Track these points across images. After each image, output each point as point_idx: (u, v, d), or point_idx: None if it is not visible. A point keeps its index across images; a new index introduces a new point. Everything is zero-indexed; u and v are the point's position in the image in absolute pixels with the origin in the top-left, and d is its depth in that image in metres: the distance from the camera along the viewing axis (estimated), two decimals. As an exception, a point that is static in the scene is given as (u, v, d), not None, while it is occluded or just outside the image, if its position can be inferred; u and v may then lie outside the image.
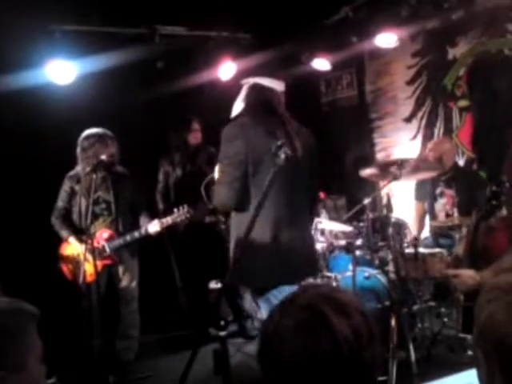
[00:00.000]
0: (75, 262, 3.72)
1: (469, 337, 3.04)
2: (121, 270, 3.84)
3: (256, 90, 2.70)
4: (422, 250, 3.67)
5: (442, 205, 4.27)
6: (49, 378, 1.79)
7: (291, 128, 2.66)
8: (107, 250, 3.73)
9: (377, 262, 3.71)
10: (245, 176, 2.50)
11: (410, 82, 5.43)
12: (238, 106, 2.72)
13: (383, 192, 3.88)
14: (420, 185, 4.46)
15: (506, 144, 4.56)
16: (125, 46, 4.23)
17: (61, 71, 4.26)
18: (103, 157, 3.61)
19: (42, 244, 3.91)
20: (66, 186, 3.81)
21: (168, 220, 3.70)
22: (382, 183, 4.05)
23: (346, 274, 3.65)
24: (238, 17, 4.53)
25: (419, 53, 5.32)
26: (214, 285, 4.76)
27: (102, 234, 3.75)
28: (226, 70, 4.90)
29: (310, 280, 2.88)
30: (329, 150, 4.95)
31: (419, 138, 5.40)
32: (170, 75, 4.68)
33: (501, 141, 4.65)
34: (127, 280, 3.86)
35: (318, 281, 3.40)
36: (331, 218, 4.34)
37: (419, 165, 3.79)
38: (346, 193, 5.47)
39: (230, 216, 4.36)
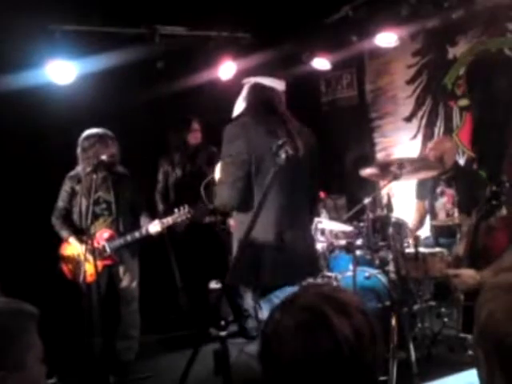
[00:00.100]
0: (75, 262, 3.72)
1: (469, 337, 3.04)
2: (121, 270, 3.84)
3: (257, 89, 2.70)
4: (422, 249, 3.67)
5: (442, 204, 4.26)
6: (49, 378, 1.79)
7: (292, 127, 2.66)
8: (107, 250, 3.73)
9: (377, 261, 3.71)
10: (247, 176, 2.49)
11: (410, 82, 5.43)
12: (239, 106, 2.72)
13: (383, 192, 3.88)
14: (421, 184, 4.46)
15: (506, 143, 4.56)
16: (125, 46, 4.23)
17: (61, 71, 4.26)
18: (104, 157, 3.61)
19: (42, 244, 3.92)
20: (66, 186, 3.81)
21: (169, 220, 3.70)
22: (382, 183, 4.05)
23: (346, 274, 3.64)
24: (238, 16, 4.54)
25: (419, 52, 5.32)
26: (214, 285, 4.76)
27: (103, 234, 3.75)
28: (226, 69, 4.90)
29: (311, 280, 2.88)
30: (329, 149, 4.94)
31: (419, 137, 5.40)
32: (170, 75, 4.68)
33: (500, 140, 4.65)
34: (128, 280, 3.86)
35: (319, 281, 3.40)
36: (331, 218, 4.34)
37: (420, 164, 3.79)
38: (347, 192, 5.47)
39: (229, 216, 4.42)
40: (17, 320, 1.37)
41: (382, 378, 2.89)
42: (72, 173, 3.83)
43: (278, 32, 4.79)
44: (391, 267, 3.68)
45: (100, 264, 3.64)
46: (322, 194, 4.35)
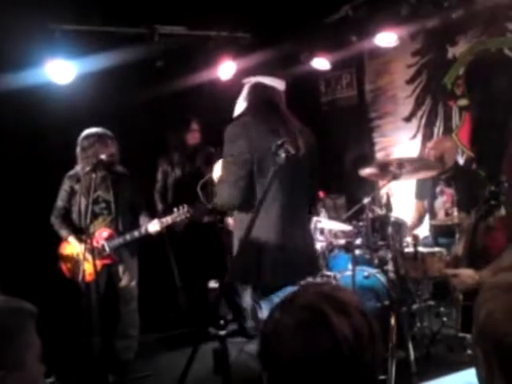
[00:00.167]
0: (75, 262, 3.72)
1: (468, 336, 3.04)
2: (120, 269, 3.84)
3: (258, 88, 2.69)
4: (421, 249, 3.67)
5: (441, 203, 4.27)
6: (48, 378, 1.79)
7: (293, 127, 2.66)
8: (107, 249, 3.73)
9: (376, 261, 3.71)
10: (249, 175, 2.49)
11: (409, 81, 5.43)
12: (240, 105, 2.72)
13: (383, 191, 3.88)
14: (420, 183, 4.46)
15: (505, 143, 4.56)
16: (124, 46, 4.23)
17: (60, 71, 4.26)
18: (103, 156, 3.61)
19: (41, 243, 3.92)
20: (65, 186, 3.81)
21: (168, 219, 3.70)
22: (381, 182, 4.05)
23: (345, 274, 3.65)
24: (238, 16, 4.53)
25: (419, 52, 5.32)
26: (214, 284, 4.76)
27: (102, 234, 3.75)
28: (225, 69, 4.89)
29: (310, 279, 2.88)
30: (328, 149, 4.94)
31: (419, 137, 5.40)
32: (169, 75, 4.68)
33: (500, 140, 4.65)
34: (127, 279, 3.86)
35: (318, 280, 3.40)
36: (331, 218, 4.34)
37: (419, 164, 3.79)
38: (346, 192, 5.47)
39: (227, 215, 4.42)
40: (16, 319, 1.37)
41: (381, 378, 2.89)
42: (71, 172, 3.83)
43: (278, 32, 4.79)
44: (390, 267, 3.68)
45: (99, 263, 3.64)
46: (321, 194, 4.35)
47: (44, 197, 3.93)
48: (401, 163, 3.49)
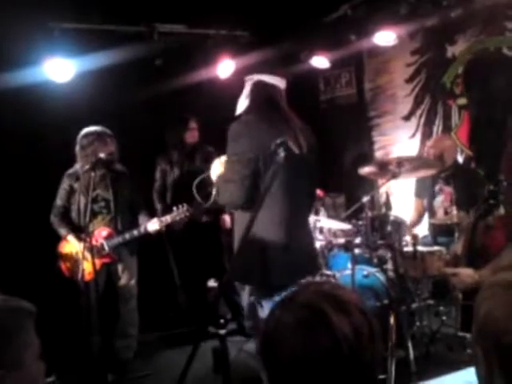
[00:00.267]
0: (74, 260, 3.71)
1: (468, 335, 3.04)
2: (120, 268, 3.84)
3: (259, 86, 2.69)
4: (420, 248, 3.67)
5: (440, 202, 4.27)
6: (48, 377, 1.79)
7: (295, 125, 2.65)
8: (106, 248, 3.73)
9: (375, 260, 3.71)
10: (254, 174, 2.47)
11: (408, 80, 5.43)
12: (242, 104, 2.71)
13: (382, 190, 3.88)
14: (420, 182, 4.46)
15: (504, 142, 4.56)
16: (123, 44, 4.22)
17: (59, 69, 4.25)
18: (102, 155, 3.61)
19: (40, 242, 3.91)
20: (64, 184, 3.80)
21: (167, 218, 3.69)
22: (380, 181, 4.05)
23: (344, 273, 3.65)
24: (237, 15, 4.53)
25: (418, 51, 5.31)
26: (213, 283, 4.76)
27: (101, 232, 3.74)
28: (224, 67, 4.89)
29: (309, 278, 2.87)
30: (327, 148, 4.93)
31: (418, 136, 5.40)
32: (168, 73, 4.68)
33: (498, 139, 4.65)
34: (126, 278, 3.86)
35: (317, 279, 3.40)
36: (330, 216, 4.35)
37: (418, 163, 3.79)
38: (345, 191, 5.47)
39: (223, 213, 4.41)
40: (15, 318, 1.36)
41: (381, 377, 2.89)
42: (70, 171, 3.83)
43: (277, 30, 4.78)
44: (389, 266, 3.68)
45: (98, 262, 3.64)
46: (320, 193, 4.35)
47: (43, 195, 3.92)
48: (400, 162, 3.49)
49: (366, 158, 5.62)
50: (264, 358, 1.06)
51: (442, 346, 3.56)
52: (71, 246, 3.74)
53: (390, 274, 3.64)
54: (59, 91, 4.33)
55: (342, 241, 3.71)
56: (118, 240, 3.73)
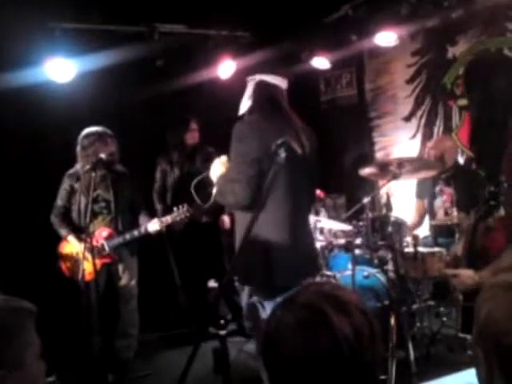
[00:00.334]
0: (74, 261, 3.71)
1: (468, 336, 3.04)
2: (120, 268, 3.84)
3: (262, 87, 2.68)
4: (421, 249, 3.67)
5: (441, 203, 4.26)
6: (48, 376, 1.79)
7: (297, 125, 2.65)
8: (106, 248, 3.73)
9: (376, 261, 3.71)
10: (259, 174, 2.45)
11: (409, 81, 5.43)
12: (245, 104, 2.71)
13: (383, 191, 3.88)
14: (420, 182, 4.46)
15: (505, 143, 4.56)
16: (124, 44, 4.22)
17: (60, 69, 4.25)
18: (103, 155, 3.61)
19: (41, 242, 3.91)
20: (65, 185, 3.81)
21: (168, 219, 3.70)
22: (381, 182, 4.05)
23: (345, 273, 3.65)
24: (238, 15, 4.53)
25: (419, 51, 5.31)
26: (213, 283, 4.76)
27: (101, 233, 3.74)
28: (225, 68, 4.89)
29: (310, 279, 2.87)
30: (328, 148, 4.93)
31: (419, 136, 5.40)
32: (169, 73, 4.68)
33: (499, 140, 4.65)
34: (126, 278, 3.86)
35: (317, 280, 3.40)
36: (330, 217, 4.34)
37: (419, 164, 3.79)
38: (346, 192, 5.47)
39: (223, 213, 4.41)
40: (16, 318, 1.36)
41: (381, 378, 2.89)
42: (71, 171, 3.83)
43: (278, 31, 4.78)
44: (390, 266, 3.68)
45: (99, 262, 3.64)
46: (321, 193, 4.35)
47: (44, 196, 3.92)
48: (401, 163, 3.49)
49: (367, 158, 5.62)
50: (265, 358, 1.06)
51: (443, 347, 3.56)
52: (72, 246, 3.74)
53: (391, 274, 3.64)
54: (60, 91, 4.34)
55: (342, 241, 3.71)
56: (118, 240, 3.73)
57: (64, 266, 3.78)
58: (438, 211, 4.29)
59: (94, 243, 3.58)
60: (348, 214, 4.11)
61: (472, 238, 3.22)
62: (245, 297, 2.78)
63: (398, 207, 4.56)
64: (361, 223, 3.60)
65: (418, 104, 5.38)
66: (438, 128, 5.24)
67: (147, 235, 3.74)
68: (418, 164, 3.72)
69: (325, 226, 3.82)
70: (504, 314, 0.91)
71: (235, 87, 2.86)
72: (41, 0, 3.67)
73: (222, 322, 2.89)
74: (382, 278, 3.64)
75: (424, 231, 4.44)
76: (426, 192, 4.38)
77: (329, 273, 3.71)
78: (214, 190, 2.68)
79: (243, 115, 2.70)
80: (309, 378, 1.01)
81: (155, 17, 4.48)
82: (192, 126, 4.58)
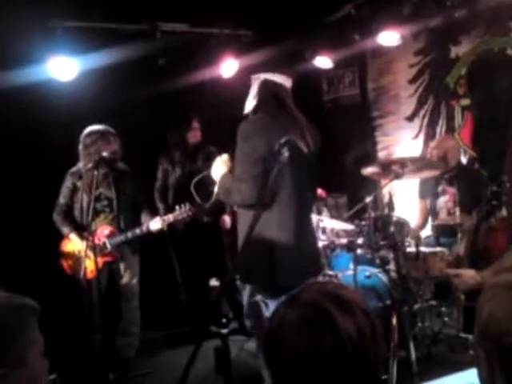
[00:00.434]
0: (76, 259, 3.72)
1: (470, 336, 3.04)
2: (122, 266, 3.85)
3: (267, 85, 2.68)
4: (423, 248, 3.67)
5: (443, 203, 4.26)
6: (49, 375, 1.79)
7: (302, 123, 2.65)
8: (108, 246, 3.74)
9: (378, 260, 3.71)
10: (264, 173, 2.44)
11: (412, 81, 5.43)
12: (250, 103, 2.70)
13: (385, 191, 3.88)
14: (423, 182, 4.45)
15: (507, 143, 4.55)
16: (126, 43, 4.22)
17: (62, 68, 4.25)
18: (105, 153, 3.61)
19: (43, 240, 3.92)
20: (67, 183, 3.81)
21: (170, 217, 3.70)
22: (383, 182, 4.05)
23: (346, 273, 3.65)
24: (240, 14, 4.52)
25: (422, 51, 5.31)
26: (214, 282, 4.76)
27: (103, 231, 3.75)
28: (227, 67, 4.89)
29: (312, 278, 2.87)
30: (330, 148, 4.90)
31: (421, 136, 5.40)
32: (171, 72, 4.67)
33: (501, 140, 4.64)
34: (128, 277, 3.87)
35: (320, 279, 3.40)
36: (332, 217, 4.34)
37: (422, 163, 3.78)
38: (348, 191, 5.47)
39: (224, 213, 4.41)
40: (18, 315, 1.36)
41: (383, 377, 2.89)
42: (73, 169, 3.83)
43: (280, 30, 4.77)
44: (392, 266, 3.68)
45: (100, 260, 3.64)
46: (323, 193, 4.35)
47: (46, 194, 3.93)
48: (403, 162, 3.48)
49: (369, 158, 5.61)
50: (267, 356, 1.06)
51: (444, 346, 3.55)
52: (74, 244, 3.74)
53: (393, 274, 3.64)
54: (62, 90, 4.34)
55: (344, 241, 3.71)
56: (120, 238, 3.73)
57: (66, 264, 3.79)
58: (441, 211, 4.28)
59: (96, 241, 3.59)
60: (350, 214, 4.10)
61: (474, 238, 3.21)
62: (246, 295, 2.78)
63: (401, 207, 4.56)
64: (363, 223, 3.60)
65: (420, 104, 5.38)
66: (441, 128, 5.24)
67: (149, 234, 3.74)
68: (420, 164, 3.72)
69: (327, 225, 3.82)
70: (505, 314, 0.90)
71: (237, 86, 2.86)
72: (43, -2, 3.67)
73: (224, 320, 2.89)
74: (383, 277, 3.64)
75: (426, 231, 4.43)
76: (429, 192, 4.38)
77: (331, 272, 3.71)
78: (216, 189, 2.67)
79: (248, 114, 2.70)
80: (311, 377, 1.01)
81: (157, 15, 4.47)
82: (194, 124, 4.58)
